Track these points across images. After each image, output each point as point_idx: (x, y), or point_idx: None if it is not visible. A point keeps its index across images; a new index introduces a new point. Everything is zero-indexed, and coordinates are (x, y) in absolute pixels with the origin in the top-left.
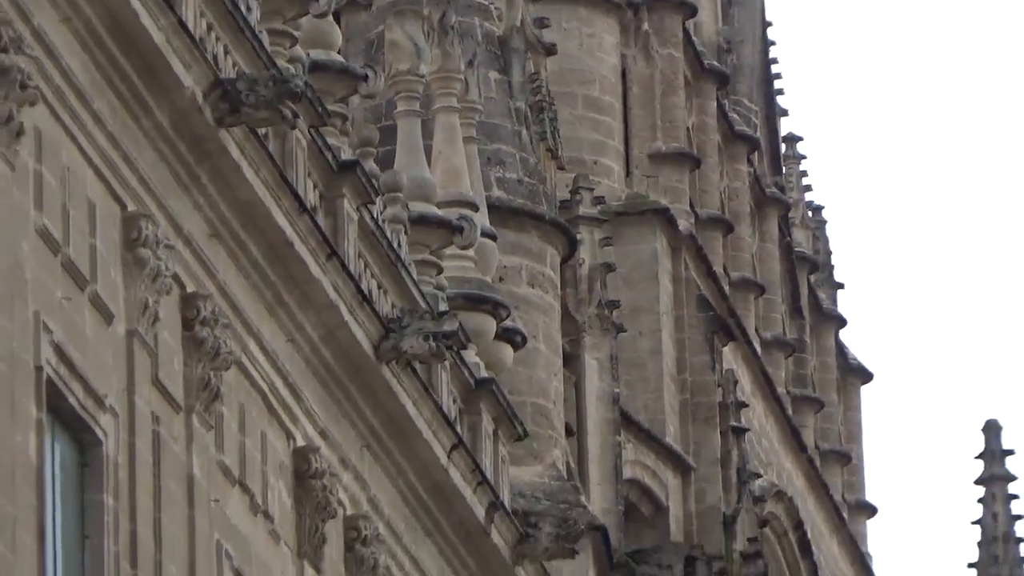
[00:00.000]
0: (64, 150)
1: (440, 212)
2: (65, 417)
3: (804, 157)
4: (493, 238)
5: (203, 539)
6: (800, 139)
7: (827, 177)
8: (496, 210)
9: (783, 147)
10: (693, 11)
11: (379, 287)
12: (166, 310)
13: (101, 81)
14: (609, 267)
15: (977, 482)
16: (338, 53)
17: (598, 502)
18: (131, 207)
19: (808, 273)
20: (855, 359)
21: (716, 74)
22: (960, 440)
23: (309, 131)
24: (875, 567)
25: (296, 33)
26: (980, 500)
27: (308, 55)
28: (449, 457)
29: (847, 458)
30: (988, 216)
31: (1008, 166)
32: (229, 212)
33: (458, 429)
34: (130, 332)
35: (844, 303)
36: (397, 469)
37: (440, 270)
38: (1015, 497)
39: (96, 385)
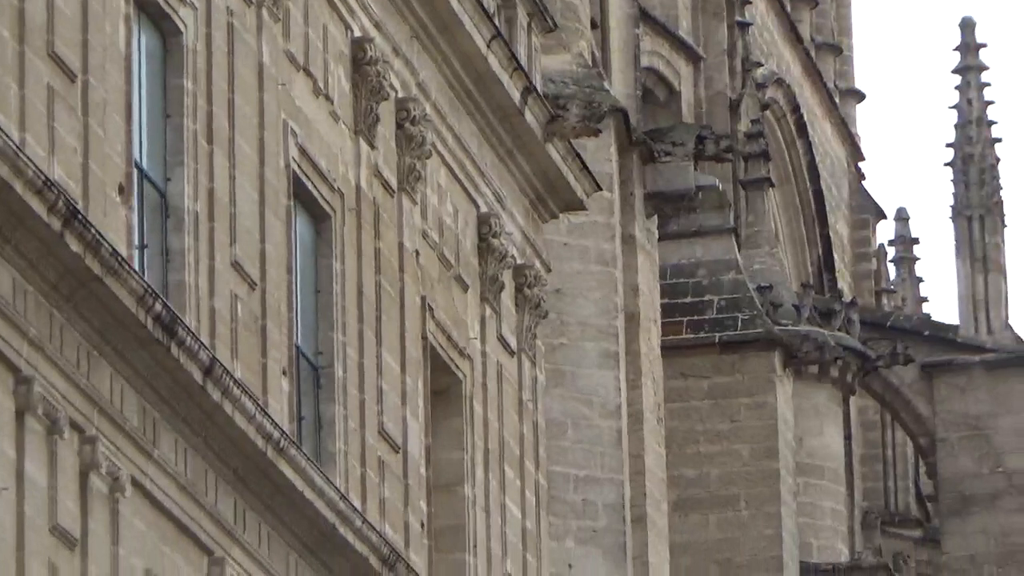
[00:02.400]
0: None
1: None
2: (150, 10)
3: None
4: None
5: (271, 119)
6: None
7: None
8: None
9: None
10: None
11: None
12: None
13: None
14: None
15: (954, 71)
16: None
17: (619, 87)
18: None
19: None
20: None
21: None
22: (939, 34)
23: None
24: (863, 146)
25: None
26: (956, 87)
27: None
28: (488, 47)
29: (839, 49)
30: None
31: None
32: None
33: (496, 22)
34: None
35: None
36: (442, 57)
37: None
38: (987, 85)
39: None
